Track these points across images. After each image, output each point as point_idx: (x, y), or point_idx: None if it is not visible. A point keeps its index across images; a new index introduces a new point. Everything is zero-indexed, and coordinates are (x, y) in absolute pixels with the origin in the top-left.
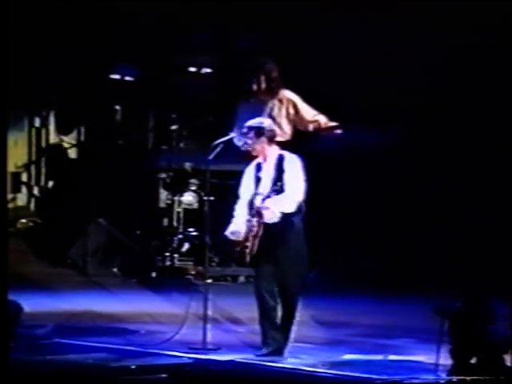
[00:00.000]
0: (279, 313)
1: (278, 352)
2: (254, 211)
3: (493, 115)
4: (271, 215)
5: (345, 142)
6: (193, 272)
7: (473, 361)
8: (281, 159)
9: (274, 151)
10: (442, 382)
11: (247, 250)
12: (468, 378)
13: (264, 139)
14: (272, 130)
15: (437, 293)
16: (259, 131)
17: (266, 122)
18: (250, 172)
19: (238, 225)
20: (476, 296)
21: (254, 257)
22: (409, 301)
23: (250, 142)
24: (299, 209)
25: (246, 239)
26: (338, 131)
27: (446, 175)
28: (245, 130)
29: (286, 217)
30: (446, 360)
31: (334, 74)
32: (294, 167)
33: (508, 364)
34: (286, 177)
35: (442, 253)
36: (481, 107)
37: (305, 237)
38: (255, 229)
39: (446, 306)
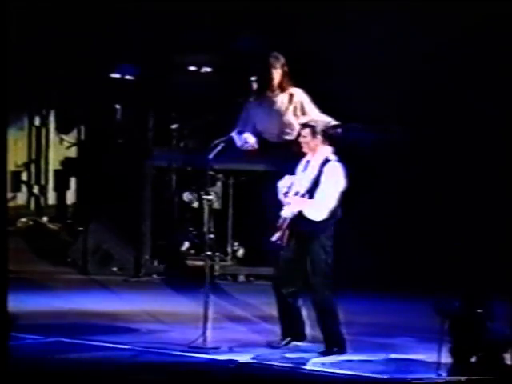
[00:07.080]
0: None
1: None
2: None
3: (494, 115)
4: (289, 212)
5: (345, 141)
6: (193, 270)
7: (473, 360)
8: (324, 163)
9: (324, 151)
10: (443, 381)
11: (280, 239)
12: (468, 378)
13: (319, 137)
14: (327, 129)
15: (437, 292)
16: (314, 129)
17: (322, 121)
18: (299, 166)
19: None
20: (476, 296)
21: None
22: (409, 300)
23: (303, 138)
24: (332, 214)
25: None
26: (338, 130)
27: (445, 175)
28: (299, 127)
29: (315, 222)
30: (446, 359)
31: (333, 72)
32: (333, 175)
33: (508, 363)
34: (322, 183)
35: (442, 252)
36: (481, 107)
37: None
38: (281, 220)
39: (446, 305)
